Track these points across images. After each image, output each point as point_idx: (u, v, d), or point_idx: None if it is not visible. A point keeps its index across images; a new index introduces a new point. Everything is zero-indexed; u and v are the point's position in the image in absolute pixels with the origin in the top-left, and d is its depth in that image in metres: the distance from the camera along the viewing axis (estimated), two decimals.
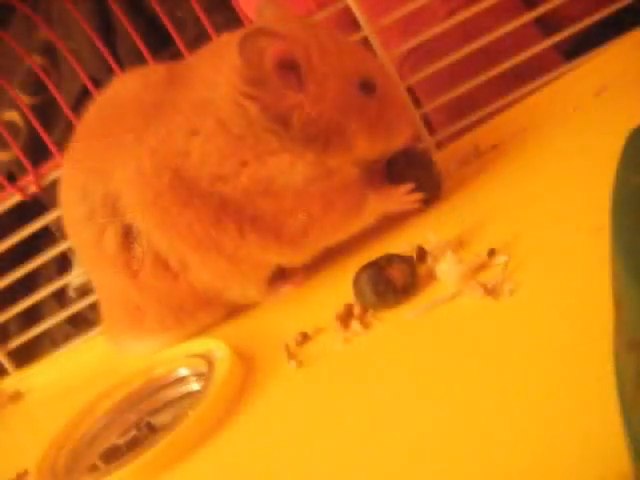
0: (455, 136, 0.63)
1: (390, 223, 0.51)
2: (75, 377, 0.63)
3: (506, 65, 0.60)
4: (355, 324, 0.40)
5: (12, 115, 0.89)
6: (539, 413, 0.27)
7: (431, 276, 0.41)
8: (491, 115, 0.61)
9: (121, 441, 0.45)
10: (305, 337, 0.42)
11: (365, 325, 0.40)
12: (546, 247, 0.37)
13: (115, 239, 0.49)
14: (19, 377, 0.69)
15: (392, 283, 0.40)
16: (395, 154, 0.51)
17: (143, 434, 0.45)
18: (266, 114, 0.46)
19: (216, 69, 0.48)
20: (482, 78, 0.61)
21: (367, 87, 0.48)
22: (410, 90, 0.64)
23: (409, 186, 0.50)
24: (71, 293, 0.87)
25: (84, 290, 0.78)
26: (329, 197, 0.48)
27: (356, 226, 0.50)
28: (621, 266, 0.20)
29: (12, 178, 0.70)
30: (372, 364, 0.37)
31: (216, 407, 0.40)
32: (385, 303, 0.40)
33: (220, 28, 0.56)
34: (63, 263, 0.87)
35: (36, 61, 0.82)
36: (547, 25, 0.66)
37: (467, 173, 0.54)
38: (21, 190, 0.65)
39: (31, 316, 0.78)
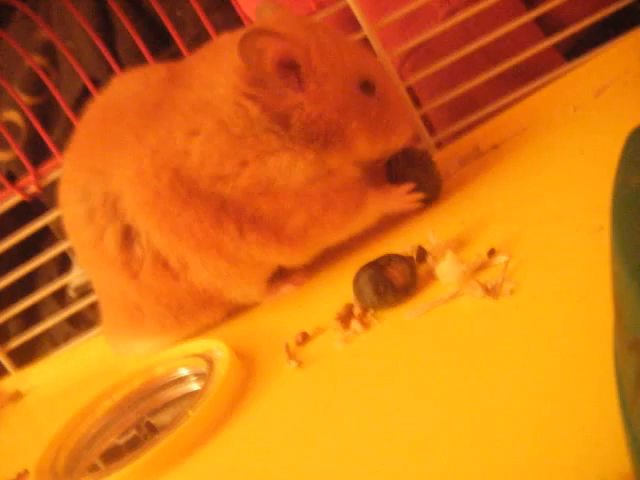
0: (455, 136, 0.63)
1: (390, 223, 0.51)
2: (75, 377, 0.63)
3: (506, 65, 0.60)
4: (355, 324, 0.40)
5: (12, 115, 0.89)
6: (539, 413, 0.27)
7: (431, 276, 0.41)
8: (491, 115, 0.61)
9: (121, 441, 0.45)
10: (305, 337, 0.42)
11: (365, 325, 0.40)
12: (546, 247, 0.37)
13: (115, 239, 0.49)
14: (19, 377, 0.69)
15: (392, 283, 0.40)
16: (395, 154, 0.51)
17: (143, 434, 0.45)
18: (266, 114, 0.46)
19: (216, 69, 0.48)
20: (482, 78, 0.61)
21: (367, 87, 0.48)
22: (410, 90, 0.64)
23: (409, 186, 0.50)
24: (71, 293, 0.87)
25: (84, 290, 0.78)
26: (329, 197, 0.48)
27: (356, 226, 0.50)
28: (621, 266, 0.20)
29: (12, 178, 0.70)
30: (372, 364, 0.37)
31: (216, 407, 0.40)
32: (385, 303, 0.40)
33: (220, 28, 0.56)
34: (63, 263, 0.87)
35: (36, 61, 0.82)
36: (547, 25, 0.66)
37: (467, 173, 0.54)
38: (21, 190, 0.65)
39: (31, 316, 0.78)
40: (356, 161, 0.49)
